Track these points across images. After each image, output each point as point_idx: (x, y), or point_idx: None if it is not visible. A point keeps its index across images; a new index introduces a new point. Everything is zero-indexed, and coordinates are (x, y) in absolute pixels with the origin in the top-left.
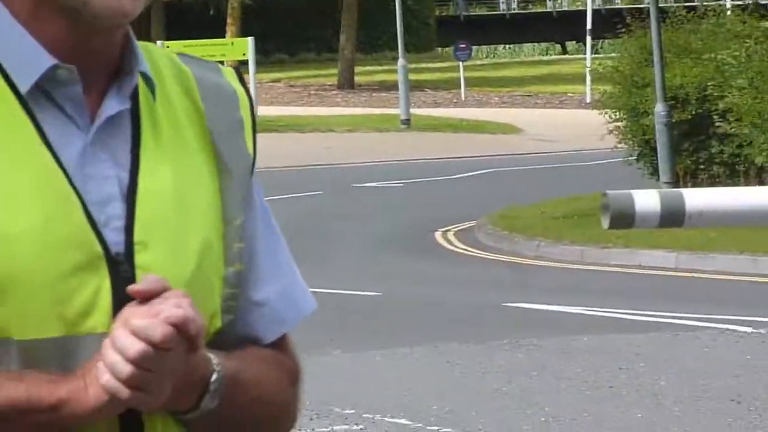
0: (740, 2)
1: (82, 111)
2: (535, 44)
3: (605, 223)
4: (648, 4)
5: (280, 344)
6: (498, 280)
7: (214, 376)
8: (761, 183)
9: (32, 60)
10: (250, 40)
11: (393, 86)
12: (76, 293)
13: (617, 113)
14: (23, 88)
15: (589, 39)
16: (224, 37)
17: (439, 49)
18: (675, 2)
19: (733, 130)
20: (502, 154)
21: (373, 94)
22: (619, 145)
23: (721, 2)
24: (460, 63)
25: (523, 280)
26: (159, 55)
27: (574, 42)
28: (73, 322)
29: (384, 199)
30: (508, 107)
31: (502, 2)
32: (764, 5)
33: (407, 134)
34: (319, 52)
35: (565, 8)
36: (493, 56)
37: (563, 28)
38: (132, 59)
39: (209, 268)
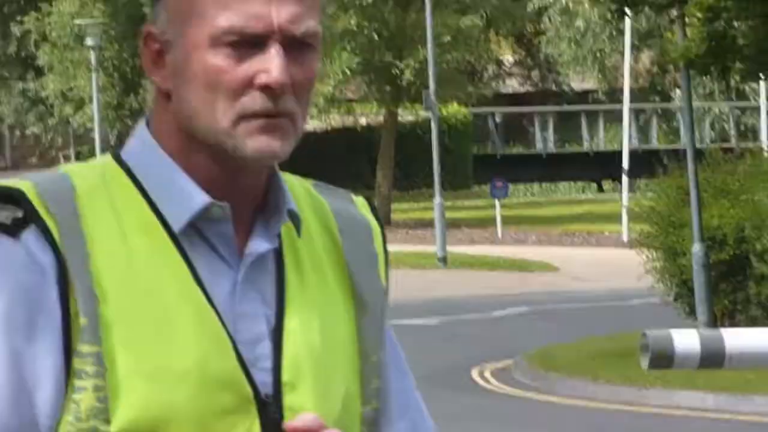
0: None
1: (231, 248)
2: (572, 183)
3: (644, 363)
4: (684, 144)
5: None
6: (533, 419)
7: None
8: None
9: (186, 197)
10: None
11: (429, 223)
12: None
13: (654, 253)
14: (177, 226)
15: (625, 178)
16: None
17: (476, 186)
18: (711, 143)
19: None
20: (539, 292)
21: (410, 232)
22: (656, 285)
23: (758, 143)
24: (497, 201)
25: (559, 420)
26: (297, 187)
27: (610, 180)
28: None
29: (421, 336)
30: (545, 245)
31: (539, 141)
32: None
33: (444, 272)
34: (356, 189)
35: (602, 148)
36: (530, 194)
37: (600, 167)
38: (279, 196)
39: (350, 408)
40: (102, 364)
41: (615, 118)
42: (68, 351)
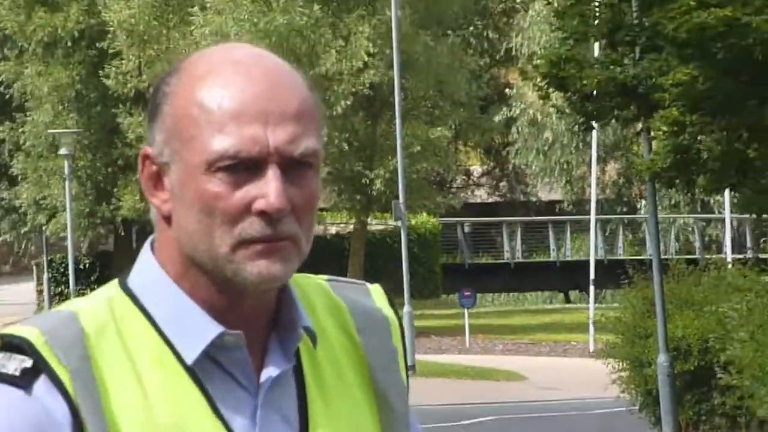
0: (740, 256)
1: (248, 374)
2: (539, 292)
3: None
4: (650, 255)
5: None
6: None
7: None
8: None
9: (198, 327)
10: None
11: None
12: None
13: (620, 363)
14: (190, 357)
15: (592, 289)
16: None
17: (445, 295)
18: (676, 254)
19: (734, 382)
20: (507, 401)
21: None
22: (622, 395)
23: (722, 255)
24: (465, 310)
25: None
26: (310, 287)
27: (576, 291)
28: None
29: None
30: (512, 354)
31: (507, 251)
32: (764, 260)
33: (412, 380)
34: None
35: (568, 258)
36: (498, 303)
37: (566, 278)
38: (293, 313)
39: None
40: None
41: (582, 228)
42: None
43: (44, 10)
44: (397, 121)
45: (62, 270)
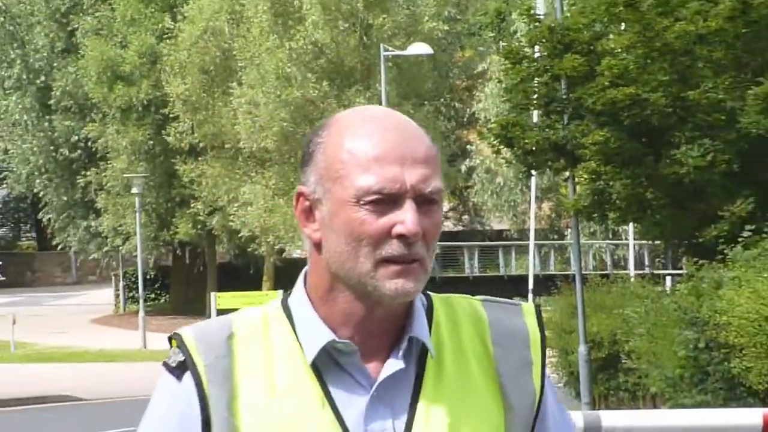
0: (641, 272)
1: (364, 373)
2: None
3: None
4: (574, 271)
5: None
6: None
7: None
8: (654, 406)
9: (317, 335)
10: (280, 292)
11: None
12: None
13: (551, 351)
14: (310, 357)
15: (531, 296)
16: (261, 290)
17: None
18: (593, 270)
19: (634, 365)
20: None
21: None
22: (552, 375)
23: (627, 271)
24: None
25: None
26: (461, 305)
27: (519, 298)
28: None
29: None
30: None
31: (467, 267)
32: (657, 275)
33: None
34: None
35: (513, 273)
36: None
37: (512, 288)
38: (416, 325)
39: None
40: None
41: (523, 250)
42: None
43: (122, 84)
44: None
45: (134, 280)
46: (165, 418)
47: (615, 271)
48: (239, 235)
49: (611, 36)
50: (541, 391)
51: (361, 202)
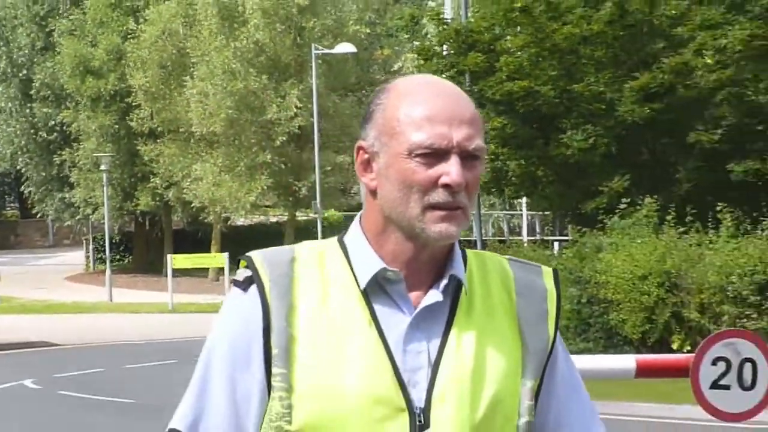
0: (533, 238)
1: (407, 301)
2: None
3: None
4: (476, 237)
5: None
6: None
7: None
8: None
9: (371, 265)
10: (225, 255)
11: None
12: None
13: None
14: (362, 283)
15: None
16: (210, 252)
17: None
18: (492, 236)
19: None
20: None
21: None
22: None
23: (521, 238)
24: None
25: None
26: (492, 260)
27: None
28: None
29: None
30: None
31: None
32: (547, 241)
33: None
34: None
35: None
36: None
37: None
38: (455, 265)
39: (500, 419)
40: (287, 381)
41: None
42: (268, 374)
43: (92, 77)
44: (316, 150)
45: (101, 243)
46: (232, 323)
47: (511, 237)
48: (191, 206)
49: (508, 37)
50: (554, 340)
51: (413, 155)
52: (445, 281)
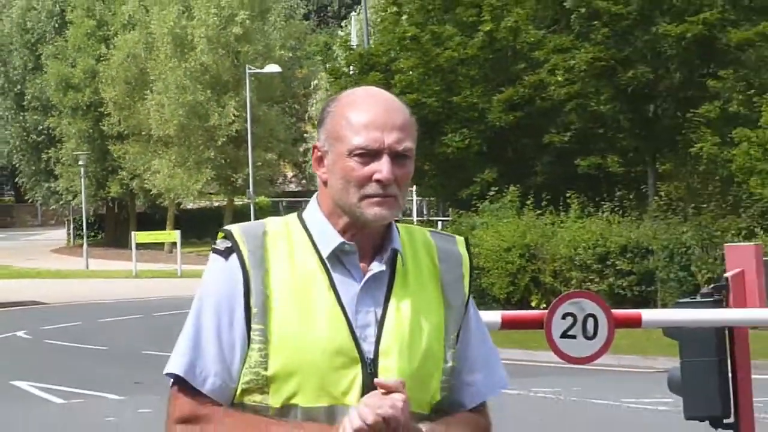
0: (420, 218)
1: (358, 270)
2: None
3: None
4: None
5: (480, 408)
6: None
7: None
8: None
9: (331, 238)
10: (178, 232)
11: None
12: (340, 381)
13: None
14: (324, 253)
15: None
16: (165, 230)
17: None
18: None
19: None
20: None
21: None
22: None
23: (411, 218)
24: None
25: None
26: (418, 233)
27: None
28: (336, 398)
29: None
30: None
31: None
32: (432, 220)
33: None
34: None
35: None
36: None
37: None
38: (393, 240)
39: (431, 365)
40: (264, 335)
41: None
42: (248, 327)
43: (73, 91)
44: (249, 149)
45: (80, 223)
46: (217, 285)
47: (403, 218)
48: (151, 193)
49: (401, 60)
50: (468, 297)
51: (353, 155)
52: (387, 254)
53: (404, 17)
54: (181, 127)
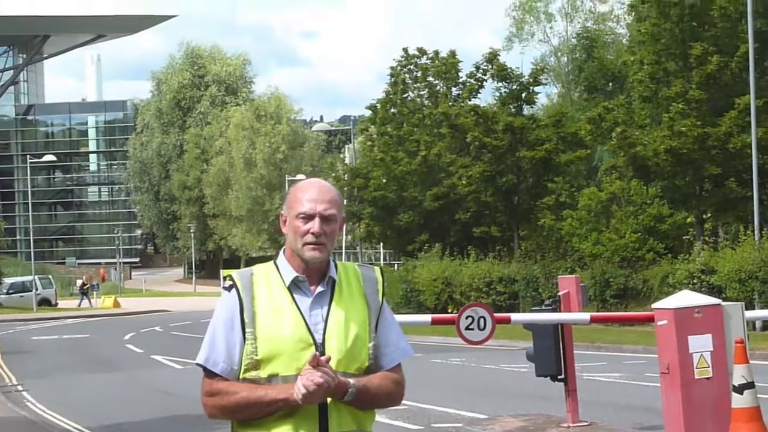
0: (387, 262)
1: (309, 291)
2: None
3: None
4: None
5: (395, 369)
6: None
7: (350, 389)
8: None
9: (290, 273)
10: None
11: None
12: (302, 358)
13: None
14: (287, 283)
15: None
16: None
17: None
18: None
19: None
20: None
21: None
22: None
23: (380, 263)
24: None
25: None
26: (350, 266)
27: None
28: (300, 368)
29: None
30: None
31: None
32: (392, 263)
33: None
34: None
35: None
36: None
37: None
38: (331, 271)
39: (359, 344)
40: (254, 335)
41: None
42: (243, 332)
43: (187, 190)
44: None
45: (190, 266)
46: (225, 308)
47: (372, 263)
48: (231, 248)
49: (374, 171)
50: (382, 303)
51: (298, 217)
52: (326, 280)
53: (375, 148)
54: (249, 211)
